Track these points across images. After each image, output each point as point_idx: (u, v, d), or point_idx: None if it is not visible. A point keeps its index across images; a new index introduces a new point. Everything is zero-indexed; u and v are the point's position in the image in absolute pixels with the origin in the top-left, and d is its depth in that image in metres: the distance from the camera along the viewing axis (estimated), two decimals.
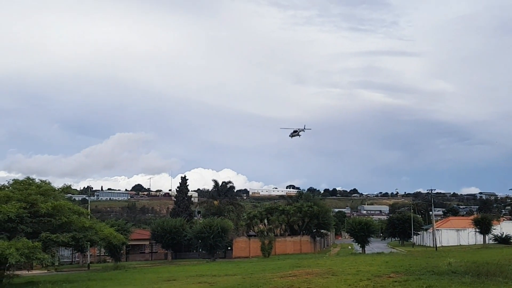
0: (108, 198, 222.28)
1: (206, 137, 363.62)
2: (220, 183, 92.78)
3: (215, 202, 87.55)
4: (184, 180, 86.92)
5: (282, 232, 66.67)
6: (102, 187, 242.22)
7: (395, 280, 16.86)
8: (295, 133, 62.75)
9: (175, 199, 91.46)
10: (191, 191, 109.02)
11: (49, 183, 33.19)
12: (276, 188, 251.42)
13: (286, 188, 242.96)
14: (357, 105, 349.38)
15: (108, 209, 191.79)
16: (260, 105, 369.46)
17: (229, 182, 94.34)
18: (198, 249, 61.80)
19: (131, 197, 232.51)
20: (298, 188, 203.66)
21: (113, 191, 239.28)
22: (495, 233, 65.40)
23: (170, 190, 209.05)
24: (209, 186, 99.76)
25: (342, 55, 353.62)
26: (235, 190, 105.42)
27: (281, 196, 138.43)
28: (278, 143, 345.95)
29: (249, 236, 65.41)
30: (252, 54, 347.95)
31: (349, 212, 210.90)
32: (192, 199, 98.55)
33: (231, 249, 62.24)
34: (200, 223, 59.91)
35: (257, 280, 18.98)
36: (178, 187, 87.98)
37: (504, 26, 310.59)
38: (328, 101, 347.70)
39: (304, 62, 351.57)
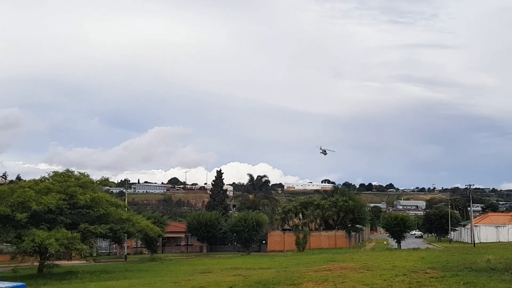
0: (145, 191, 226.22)
1: (243, 131, 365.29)
2: (255, 177, 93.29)
3: (250, 196, 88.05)
4: (219, 173, 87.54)
5: (316, 226, 66.42)
6: (139, 180, 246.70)
7: (432, 276, 16.54)
8: (324, 152, 68.82)
9: (210, 193, 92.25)
10: (227, 184, 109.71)
11: (88, 176, 33.98)
12: (311, 182, 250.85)
13: (321, 182, 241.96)
14: (396, 99, 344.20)
15: (145, 201, 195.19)
16: (297, 99, 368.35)
17: (264, 176, 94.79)
18: (232, 242, 62.16)
19: (167, 190, 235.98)
20: (333, 183, 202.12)
21: (149, 184, 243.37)
22: None
23: (205, 183, 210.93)
24: (245, 180, 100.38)
25: (380, 49, 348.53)
26: (270, 184, 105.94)
27: (316, 191, 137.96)
28: (314, 137, 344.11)
29: (284, 230, 65.42)
30: (289, 48, 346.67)
31: (385, 207, 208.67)
32: (228, 192, 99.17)
33: (266, 243, 62.41)
34: (235, 217, 60.25)
35: (292, 274, 18.94)
36: (213, 181, 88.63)
37: None
38: (366, 95, 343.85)
39: (342, 55, 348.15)
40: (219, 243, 65.80)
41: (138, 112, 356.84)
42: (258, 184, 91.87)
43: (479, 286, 13.28)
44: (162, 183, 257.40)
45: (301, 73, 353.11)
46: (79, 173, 33.94)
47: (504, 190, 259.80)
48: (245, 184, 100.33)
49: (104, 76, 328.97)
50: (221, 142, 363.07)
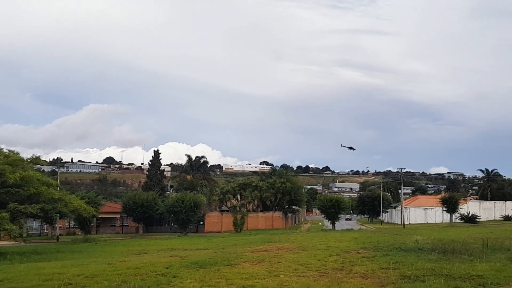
0: (79, 170, 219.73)
1: (182, 111, 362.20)
2: (193, 158, 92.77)
3: (188, 176, 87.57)
4: (157, 153, 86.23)
5: (254, 207, 67.04)
6: (72, 159, 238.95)
7: (364, 256, 17.09)
8: (350, 148, 75.74)
9: (147, 173, 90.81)
10: (164, 165, 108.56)
11: (18, 153, 32.58)
12: (249, 164, 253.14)
13: (260, 164, 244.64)
14: (334, 84, 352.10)
15: (78, 181, 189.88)
16: (238, 81, 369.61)
17: (203, 157, 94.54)
18: (170, 223, 61.70)
19: (102, 169, 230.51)
20: (271, 165, 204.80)
21: (83, 163, 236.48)
22: (462, 212, 66.89)
23: (142, 163, 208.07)
24: (183, 160, 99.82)
25: (321, 33, 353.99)
26: (208, 165, 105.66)
27: (255, 172, 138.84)
28: (254, 119, 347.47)
29: (222, 211, 65.59)
30: (231, 28, 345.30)
31: (320, 189, 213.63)
32: (165, 173, 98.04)
33: (203, 224, 62.37)
34: (173, 197, 59.70)
35: (229, 255, 19.02)
36: (150, 161, 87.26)
37: (481, 9, 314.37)
38: (306, 78, 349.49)
39: (283, 38, 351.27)
40: (155, 224, 65.13)
41: (73, 88, 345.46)
42: (196, 165, 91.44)
43: (407, 265, 13.84)
44: (97, 162, 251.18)
45: (242, 54, 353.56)
46: (9, 150, 32.46)
47: (433, 174, 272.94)
48: (183, 164, 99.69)
49: (38, 50, 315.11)
50: (160, 121, 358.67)
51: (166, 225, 64.08)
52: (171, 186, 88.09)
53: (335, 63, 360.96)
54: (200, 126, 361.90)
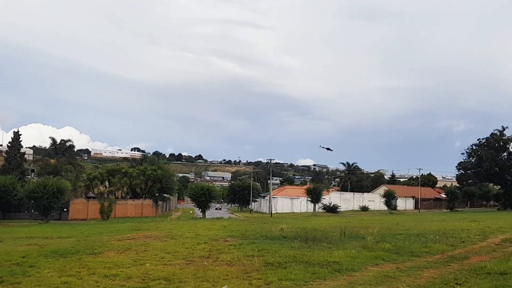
0: None
1: (49, 91, 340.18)
2: (59, 141, 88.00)
3: (52, 160, 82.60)
4: (17, 134, 79.96)
5: (123, 195, 65.34)
6: None
7: (231, 244, 17.47)
8: (328, 149, 77.56)
9: (5, 155, 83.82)
10: (26, 147, 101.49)
11: None
12: (120, 150, 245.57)
13: (131, 150, 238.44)
14: (209, 72, 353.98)
15: None
16: (110, 63, 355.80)
17: (69, 140, 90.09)
18: (30, 209, 57.79)
19: None
20: (143, 151, 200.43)
21: None
22: (325, 202, 71.16)
23: (0, 145, 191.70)
24: (47, 143, 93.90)
25: (197, 20, 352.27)
26: (75, 149, 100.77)
27: (125, 158, 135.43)
28: (127, 104, 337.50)
29: (88, 198, 62.95)
30: (106, 7, 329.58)
31: (193, 177, 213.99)
32: (26, 156, 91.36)
33: (68, 211, 59.36)
34: (34, 182, 55.92)
35: (93, 243, 18.32)
36: (9, 142, 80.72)
37: (351, 10, 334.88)
38: (181, 65, 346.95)
39: (159, 23, 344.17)
40: (13, 211, 60.60)
41: None
42: (62, 149, 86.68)
43: (271, 253, 14.40)
44: None
45: (115, 35, 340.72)
46: None
47: (300, 166, 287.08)
48: (47, 148, 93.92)
49: None
50: (23, 100, 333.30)
51: (26, 212, 59.98)
52: (32, 170, 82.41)
53: (210, 52, 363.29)
54: (68, 108, 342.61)
